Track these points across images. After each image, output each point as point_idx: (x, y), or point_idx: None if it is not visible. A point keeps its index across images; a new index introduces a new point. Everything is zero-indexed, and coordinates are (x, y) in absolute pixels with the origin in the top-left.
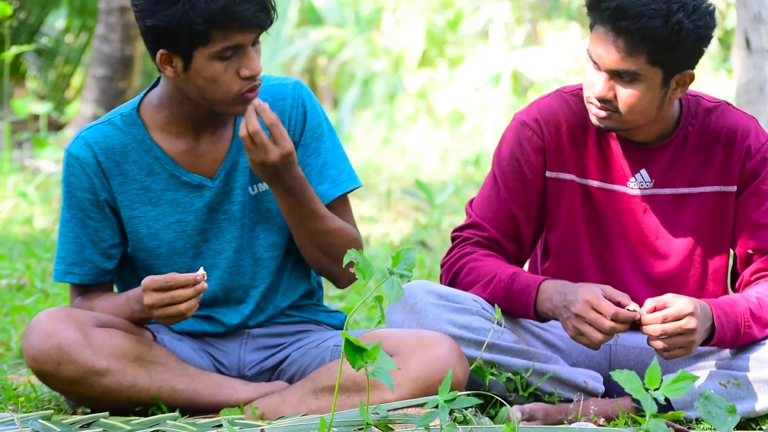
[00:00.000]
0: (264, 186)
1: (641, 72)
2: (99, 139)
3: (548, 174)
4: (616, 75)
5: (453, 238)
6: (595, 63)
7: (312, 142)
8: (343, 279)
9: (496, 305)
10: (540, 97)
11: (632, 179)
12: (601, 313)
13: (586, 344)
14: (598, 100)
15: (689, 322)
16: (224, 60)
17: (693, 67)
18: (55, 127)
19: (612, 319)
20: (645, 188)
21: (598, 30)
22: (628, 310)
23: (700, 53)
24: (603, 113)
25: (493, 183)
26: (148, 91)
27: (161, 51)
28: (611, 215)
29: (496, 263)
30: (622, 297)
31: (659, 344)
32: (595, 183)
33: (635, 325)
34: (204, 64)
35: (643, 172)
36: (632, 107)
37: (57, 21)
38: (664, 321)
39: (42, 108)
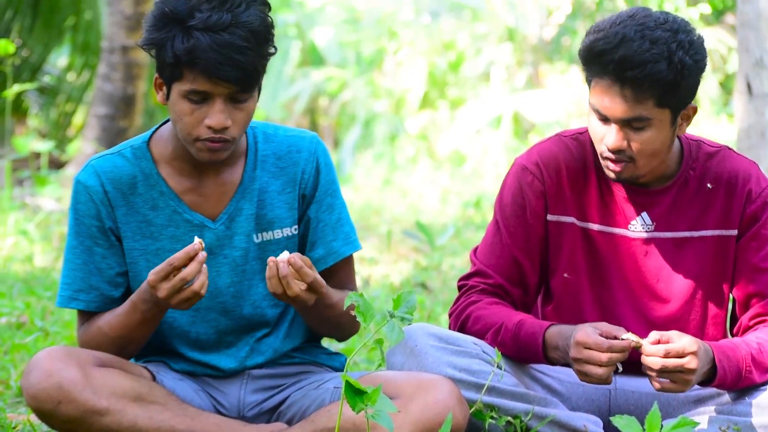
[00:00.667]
0: (270, 235)
1: (651, 116)
2: (108, 169)
3: (549, 217)
4: (626, 124)
5: (459, 287)
6: (601, 116)
7: (326, 198)
8: (344, 338)
9: (496, 348)
10: (540, 141)
11: (633, 222)
12: (593, 349)
13: (595, 383)
14: (613, 152)
15: (691, 362)
16: (192, 102)
17: (694, 99)
18: (57, 165)
19: (607, 351)
20: (646, 231)
21: (600, 83)
22: (626, 339)
23: (699, 84)
24: (619, 166)
25: (496, 229)
26: (162, 125)
27: (156, 75)
28: (612, 258)
29: (502, 311)
30: (617, 331)
31: (655, 380)
32: (595, 226)
33: (635, 370)
34: (176, 99)
35: (645, 215)
36: (646, 152)
37: (59, 59)
38: (666, 356)
39: (43, 146)
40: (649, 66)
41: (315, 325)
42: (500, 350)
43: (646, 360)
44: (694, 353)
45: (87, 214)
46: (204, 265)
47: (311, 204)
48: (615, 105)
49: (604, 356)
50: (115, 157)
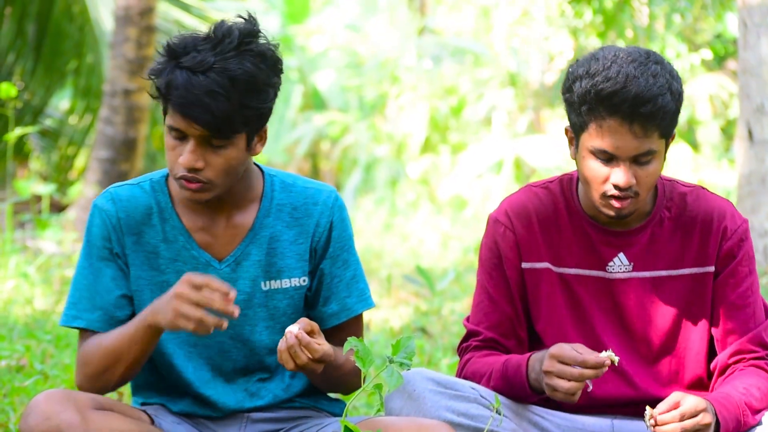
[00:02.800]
0: (278, 284)
1: (657, 148)
2: (125, 198)
3: (524, 265)
4: (634, 160)
5: (459, 353)
6: (608, 156)
7: (342, 254)
8: (347, 392)
9: (495, 393)
10: (509, 194)
11: (611, 263)
12: (568, 363)
13: (561, 398)
14: (624, 190)
15: (705, 418)
16: (173, 138)
17: None
18: (58, 208)
19: (580, 365)
20: (624, 272)
21: (605, 124)
22: (601, 356)
23: None
24: (624, 203)
25: (481, 288)
26: None
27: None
28: (592, 300)
29: (492, 358)
30: (593, 353)
31: None
32: (572, 270)
33: (633, 412)
34: (165, 131)
35: (621, 256)
36: (650, 184)
37: (61, 102)
38: (682, 419)
39: (45, 189)
40: (659, 99)
41: (319, 383)
42: (495, 391)
43: (664, 428)
44: (705, 409)
45: (99, 236)
46: (230, 311)
47: (324, 259)
48: (626, 143)
49: (575, 371)
50: (134, 188)
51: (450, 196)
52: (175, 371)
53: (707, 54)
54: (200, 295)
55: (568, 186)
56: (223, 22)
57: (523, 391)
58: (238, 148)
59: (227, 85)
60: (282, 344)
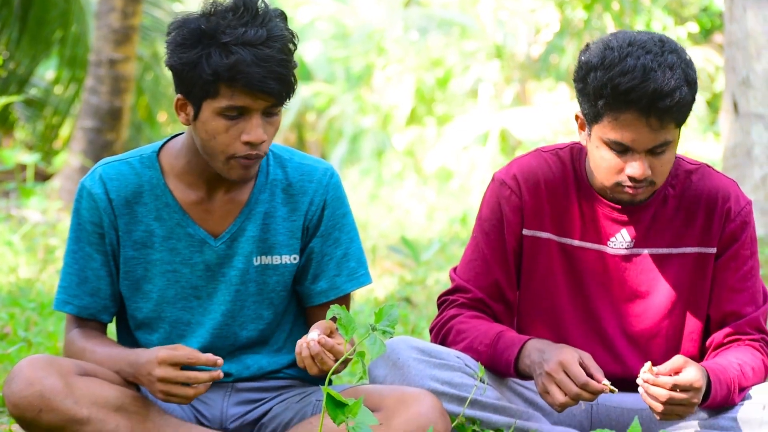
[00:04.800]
0: (269, 260)
1: (673, 138)
2: (114, 176)
3: (525, 232)
4: (650, 151)
5: (439, 304)
6: (622, 148)
7: (333, 232)
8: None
9: (479, 363)
10: (519, 156)
11: (612, 239)
12: (571, 378)
13: (549, 402)
14: (640, 181)
15: (695, 397)
16: (228, 119)
17: None
18: (42, 177)
19: (581, 388)
20: (626, 248)
21: (621, 116)
22: (603, 384)
23: None
24: (638, 191)
25: (475, 245)
26: (174, 136)
27: (178, 96)
28: (590, 274)
29: (483, 324)
30: (597, 371)
31: (659, 408)
32: (574, 242)
33: (617, 385)
34: (209, 117)
35: (624, 231)
36: (665, 172)
37: (47, 72)
38: (673, 389)
39: (29, 158)
40: (677, 93)
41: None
42: (476, 359)
43: (651, 389)
44: (699, 388)
45: (89, 220)
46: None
47: (315, 237)
48: (642, 136)
49: (574, 389)
50: (122, 165)
51: (436, 168)
52: (164, 342)
53: (693, 27)
54: (185, 375)
55: (578, 156)
56: None
57: (506, 369)
58: (281, 113)
59: (288, 51)
60: (304, 351)
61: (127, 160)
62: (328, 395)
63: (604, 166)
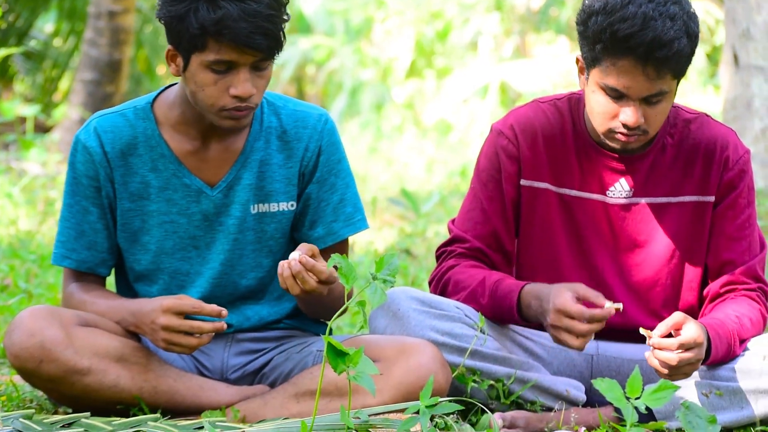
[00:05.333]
0: (266, 207)
1: (669, 89)
2: (108, 129)
3: (523, 182)
4: (644, 100)
5: (438, 256)
6: (617, 94)
7: (329, 178)
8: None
9: (480, 313)
10: (517, 107)
11: (611, 188)
12: (575, 318)
13: (571, 347)
14: (633, 129)
15: (700, 353)
16: (216, 72)
17: None
18: (42, 129)
19: (589, 322)
20: (625, 197)
21: (618, 63)
22: (607, 308)
23: None
24: (631, 138)
25: (474, 195)
26: (167, 88)
27: (168, 47)
28: (589, 224)
29: (480, 273)
30: (596, 297)
31: (666, 371)
32: (572, 192)
33: (617, 336)
34: (197, 69)
35: (623, 181)
36: (659, 122)
37: (46, 24)
38: (679, 349)
39: (29, 110)
40: (675, 43)
41: (311, 309)
42: (476, 309)
43: (660, 355)
44: (702, 344)
45: (85, 174)
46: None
47: (311, 183)
48: (638, 84)
49: (584, 327)
50: (117, 117)
51: (435, 121)
52: (164, 293)
53: None
54: (188, 324)
55: (576, 106)
56: None
57: (510, 318)
58: (272, 65)
59: (274, 5)
60: (285, 270)
61: (121, 112)
62: (329, 345)
63: (599, 110)
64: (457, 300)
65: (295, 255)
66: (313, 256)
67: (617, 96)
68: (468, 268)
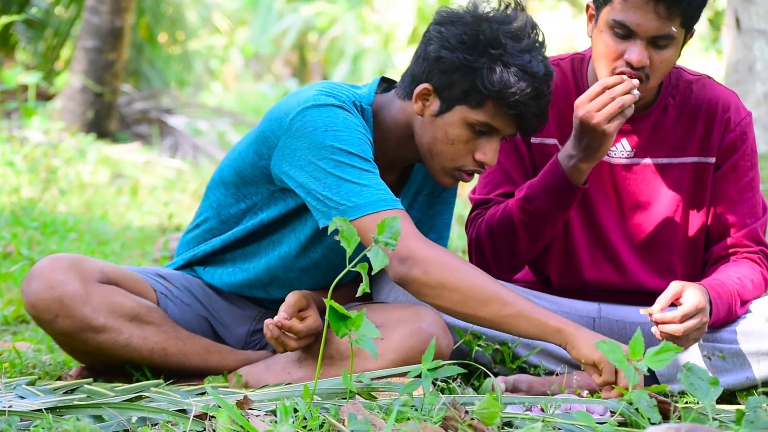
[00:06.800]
0: None
1: (676, 35)
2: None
3: (533, 140)
4: (651, 41)
5: (467, 227)
6: (626, 31)
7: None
8: None
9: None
10: None
11: (613, 148)
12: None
13: (616, 127)
14: (635, 68)
15: (704, 317)
16: (474, 132)
17: None
18: (44, 97)
19: (609, 97)
20: (626, 158)
21: None
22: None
23: None
24: (637, 82)
25: None
26: (383, 88)
27: (425, 86)
28: (593, 183)
29: (505, 203)
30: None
31: (679, 342)
32: None
33: (619, 298)
34: (457, 122)
35: (624, 141)
36: (662, 70)
37: None
38: (684, 319)
39: (31, 78)
40: None
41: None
42: (525, 212)
43: (665, 328)
44: (704, 309)
45: (367, 143)
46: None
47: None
48: (648, 21)
49: (607, 96)
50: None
51: None
52: (279, 287)
53: None
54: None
55: (579, 65)
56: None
57: (562, 187)
58: None
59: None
60: (267, 333)
61: (343, 106)
62: (331, 308)
63: (604, 50)
64: (499, 237)
65: (279, 315)
66: (302, 309)
67: (625, 35)
68: (491, 212)
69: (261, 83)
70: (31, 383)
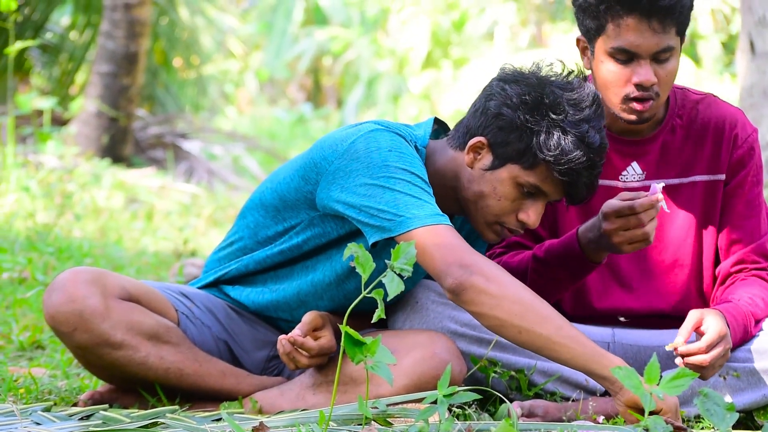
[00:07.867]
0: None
1: (674, 45)
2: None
3: None
4: (654, 57)
5: None
6: (628, 55)
7: None
8: None
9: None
10: None
11: (624, 173)
12: (627, 215)
13: (639, 247)
14: (644, 89)
15: (727, 343)
16: (521, 191)
17: None
18: (59, 122)
19: (640, 209)
20: (638, 181)
21: (624, 22)
22: (650, 191)
23: None
24: (645, 105)
25: None
26: (438, 132)
27: (480, 139)
28: None
29: (525, 253)
30: (637, 194)
31: (707, 372)
32: None
33: (634, 323)
34: (505, 180)
35: (635, 164)
36: (669, 83)
37: (62, 17)
38: (709, 349)
39: (46, 104)
40: None
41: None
42: (538, 273)
43: (691, 360)
44: (726, 335)
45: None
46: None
47: None
48: (646, 39)
49: (638, 219)
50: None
51: (452, 111)
52: (300, 310)
53: None
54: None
55: None
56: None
57: (577, 262)
58: None
59: None
60: (279, 348)
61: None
62: (347, 334)
63: (611, 78)
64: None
65: (294, 331)
66: (317, 329)
67: (627, 58)
68: (511, 257)
69: (276, 107)
70: (47, 409)
